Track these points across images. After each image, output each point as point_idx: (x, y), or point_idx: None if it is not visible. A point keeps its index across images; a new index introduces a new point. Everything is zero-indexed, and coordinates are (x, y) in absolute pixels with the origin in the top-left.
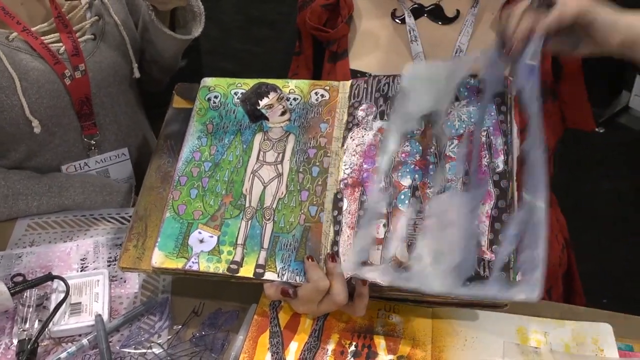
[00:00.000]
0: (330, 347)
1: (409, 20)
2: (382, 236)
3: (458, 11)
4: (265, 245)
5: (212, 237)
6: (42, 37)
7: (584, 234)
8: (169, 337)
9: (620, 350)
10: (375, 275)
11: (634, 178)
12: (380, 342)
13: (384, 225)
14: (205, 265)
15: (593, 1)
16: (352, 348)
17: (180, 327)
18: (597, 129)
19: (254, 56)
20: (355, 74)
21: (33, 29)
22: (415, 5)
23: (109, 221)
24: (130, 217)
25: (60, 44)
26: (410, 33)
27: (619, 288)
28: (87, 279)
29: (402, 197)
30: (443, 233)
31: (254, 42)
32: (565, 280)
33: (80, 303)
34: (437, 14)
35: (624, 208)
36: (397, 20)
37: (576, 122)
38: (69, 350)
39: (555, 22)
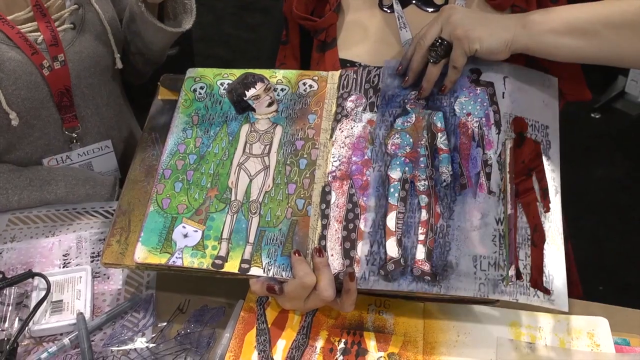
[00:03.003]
0: (319, 344)
1: (397, 7)
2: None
3: None
4: (251, 239)
5: (196, 231)
6: (19, 27)
7: (578, 222)
8: (154, 334)
9: (617, 344)
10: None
11: (629, 165)
12: (371, 339)
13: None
14: (189, 260)
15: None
16: (342, 345)
17: (165, 324)
18: (593, 115)
19: (247, 43)
20: (345, 64)
21: (9, 17)
22: None
23: (92, 215)
24: (115, 210)
25: (38, 34)
26: (399, 20)
27: (613, 276)
28: (69, 276)
29: (392, 190)
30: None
31: (246, 29)
32: None
33: (61, 301)
34: (426, 1)
35: (619, 195)
36: (385, 9)
37: (575, 95)
38: (49, 350)
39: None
